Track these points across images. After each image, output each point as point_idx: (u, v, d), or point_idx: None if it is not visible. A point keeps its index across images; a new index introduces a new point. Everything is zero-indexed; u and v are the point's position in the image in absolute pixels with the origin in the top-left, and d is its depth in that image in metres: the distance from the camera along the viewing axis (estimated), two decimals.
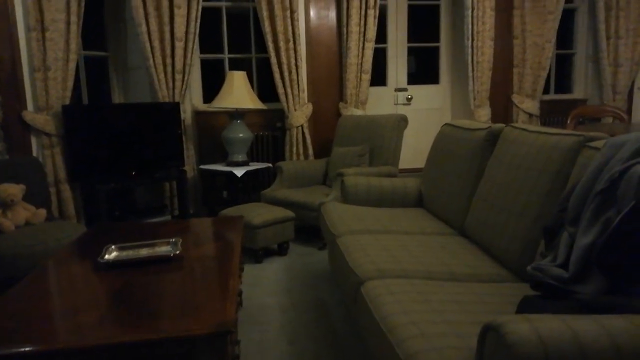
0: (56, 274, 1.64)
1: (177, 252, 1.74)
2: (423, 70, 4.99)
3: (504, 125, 2.08)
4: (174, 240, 1.86)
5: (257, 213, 2.99)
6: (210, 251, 1.83)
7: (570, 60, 5.14)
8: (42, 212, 2.72)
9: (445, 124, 2.63)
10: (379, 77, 4.71)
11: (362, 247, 1.86)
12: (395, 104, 4.78)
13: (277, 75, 4.07)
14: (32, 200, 2.80)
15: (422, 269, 1.65)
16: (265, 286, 2.65)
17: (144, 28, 3.73)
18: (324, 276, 2.78)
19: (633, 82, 4.87)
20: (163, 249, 1.80)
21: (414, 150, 4.84)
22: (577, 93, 5.12)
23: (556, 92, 5.14)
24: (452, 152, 2.37)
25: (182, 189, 3.81)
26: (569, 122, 3.78)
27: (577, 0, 4.94)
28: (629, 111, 4.91)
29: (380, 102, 4.72)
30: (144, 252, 1.78)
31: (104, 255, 1.72)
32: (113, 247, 1.81)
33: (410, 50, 4.80)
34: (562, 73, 5.19)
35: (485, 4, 4.32)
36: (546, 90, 5.04)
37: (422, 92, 4.85)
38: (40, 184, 2.98)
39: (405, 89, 4.79)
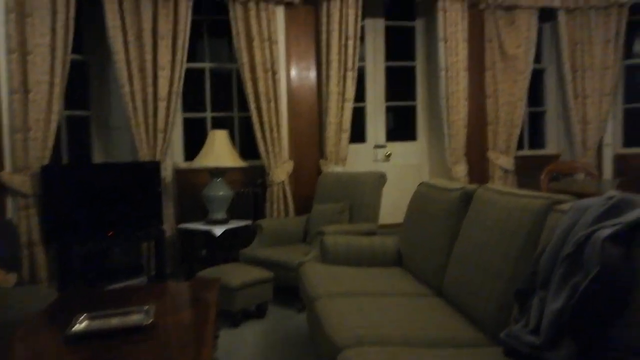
0: (22, 348, 1.57)
1: (149, 321, 1.69)
2: (401, 127, 5.14)
3: (477, 186, 2.13)
4: (146, 308, 1.81)
5: (235, 274, 2.94)
6: (183, 319, 1.79)
7: (542, 118, 5.35)
8: (11, 277, 2.64)
9: (421, 183, 2.68)
10: (358, 134, 4.82)
11: (339, 311, 1.84)
12: (374, 161, 4.87)
13: (258, 134, 4.15)
14: (2, 263, 2.73)
15: (400, 334, 1.63)
16: (242, 353, 2.57)
17: (127, 89, 3.81)
18: (303, 341, 2.72)
19: (601, 139, 5.07)
20: (134, 318, 1.76)
21: (394, 205, 4.89)
22: (550, 149, 5.29)
23: (530, 148, 5.31)
24: (428, 212, 2.41)
25: (160, 249, 3.76)
26: (542, 177, 3.88)
27: (546, 61, 5.22)
28: (599, 167, 5.08)
29: (360, 159, 4.80)
30: (115, 321, 1.73)
31: (74, 326, 1.66)
32: (83, 316, 1.75)
33: (389, 108, 4.96)
34: (535, 130, 5.38)
35: (458, 65, 4.53)
36: (521, 146, 5.20)
37: (400, 149, 4.97)
38: (12, 247, 2.91)
39: (384, 146, 4.90)
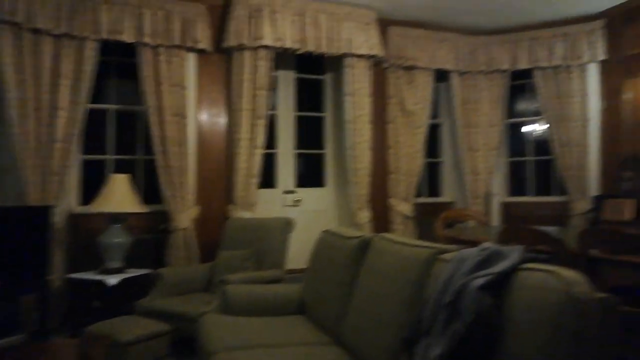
0: None
1: None
2: (311, 174, 5.27)
3: (373, 235, 2.24)
4: None
5: (128, 328, 2.75)
6: None
7: (439, 168, 5.78)
8: None
9: (324, 230, 2.75)
10: (268, 179, 4.86)
11: None
12: (284, 206, 4.91)
13: (163, 178, 4.03)
14: None
15: None
16: None
17: (17, 129, 3.54)
18: None
19: (489, 188, 5.57)
20: None
21: (303, 250, 4.91)
22: (446, 197, 5.70)
23: (429, 195, 5.69)
24: (329, 259, 2.46)
25: (44, 302, 3.42)
26: (437, 224, 4.15)
27: (442, 117, 5.70)
28: (487, 214, 5.55)
29: (269, 204, 4.82)
30: None
31: None
32: None
33: (300, 155, 5.08)
34: (433, 179, 5.79)
35: (363, 118, 4.80)
36: (420, 194, 5.55)
37: (310, 195, 5.07)
38: None
39: (293, 192, 4.97)
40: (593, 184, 5.16)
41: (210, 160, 4.35)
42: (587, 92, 5.10)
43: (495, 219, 5.65)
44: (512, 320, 1.24)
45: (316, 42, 4.48)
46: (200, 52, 4.26)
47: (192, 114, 4.26)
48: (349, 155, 4.79)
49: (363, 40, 4.69)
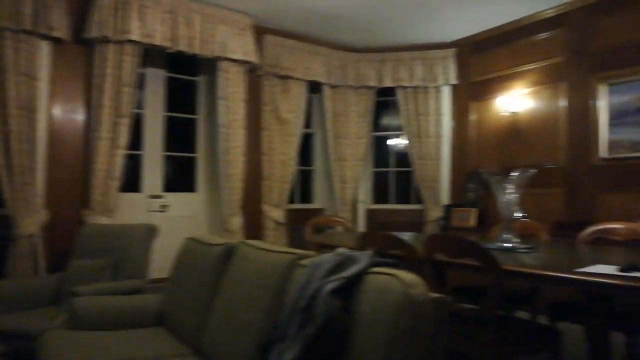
0: None
1: None
2: (181, 178, 5.07)
3: (238, 241, 2.22)
4: None
5: None
6: None
7: (311, 175, 5.96)
8: None
9: (188, 237, 2.66)
10: (133, 182, 4.56)
11: None
12: (149, 211, 4.64)
13: (4, 178, 3.55)
14: None
15: None
16: None
17: None
18: None
19: (356, 196, 5.90)
20: None
21: (170, 258, 4.69)
22: (317, 203, 5.90)
23: (300, 202, 5.83)
24: (192, 267, 2.39)
25: None
26: (306, 230, 4.27)
27: (315, 127, 5.89)
28: (354, 220, 5.87)
29: (133, 209, 4.51)
30: None
31: None
32: None
33: (169, 158, 4.85)
34: (305, 186, 5.95)
35: (237, 123, 4.76)
36: (292, 201, 5.66)
37: (179, 200, 4.87)
38: None
39: (160, 196, 4.73)
40: (444, 194, 5.74)
41: (63, 160, 3.95)
42: (442, 111, 5.68)
43: (362, 225, 6.00)
44: (359, 322, 1.32)
45: (189, 42, 4.34)
46: (56, 41, 3.85)
47: (44, 108, 3.82)
48: (221, 160, 4.71)
49: (238, 45, 4.66)
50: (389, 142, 6.27)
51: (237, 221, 4.74)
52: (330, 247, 3.16)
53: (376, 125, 6.25)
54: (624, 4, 4.24)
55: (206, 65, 4.90)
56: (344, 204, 5.72)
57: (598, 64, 4.42)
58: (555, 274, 1.96)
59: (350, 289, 1.39)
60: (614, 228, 2.96)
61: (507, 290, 3.07)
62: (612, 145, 4.28)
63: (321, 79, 5.44)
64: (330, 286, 1.37)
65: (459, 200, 5.59)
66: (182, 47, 4.30)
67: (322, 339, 1.31)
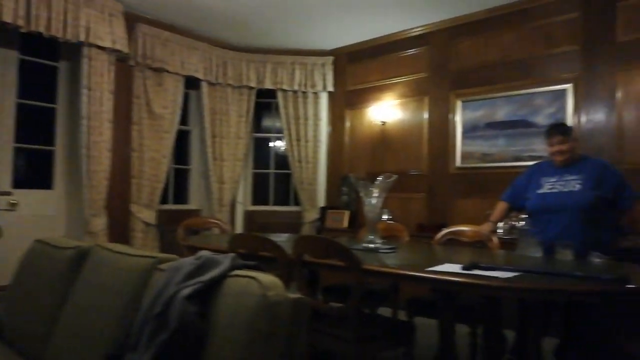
0: None
1: None
2: (34, 173, 4.54)
3: (92, 244, 2.04)
4: None
5: None
6: None
7: (187, 175, 5.73)
8: None
9: (36, 240, 2.38)
10: None
11: None
12: None
13: None
14: None
15: None
16: None
17: None
18: None
19: (235, 197, 5.81)
20: None
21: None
22: (192, 204, 5.69)
23: (175, 202, 5.57)
24: (39, 273, 2.14)
25: None
26: (179, 232, 4.09)
27: (192, 124, 5.67)
28: (232, 221, 5.78)
29: None
30: None
31: None
32: None
33: (19, 151, 4.30)
34: (180, 186, 5.70)
35: (102, 115, 4.39)
36: (165, 201, 5.39)
37: (31, 197, 4.35)
38: None
39: (9, 193, 4.17)
40: (321, 197, 5.92)
41: None
42: (320, 117, 5.85)
43: (240, 226, 5.92)
44: (217, 326, 1.29)
45: (47, 23, 3.90)
46: None
47: None
48: (84, 155, 4.31)
49: (106, 31, 4.31)
50: (270, 144, 6.30)
51: (100, 222, 4.37)
52: (209, 251, 3.07)
53: (257, 127, 6.24)
54: (476, 30, 4.77)
55: (69, 51, 4.44)
56: (222, 205, 5.60)
57: (455, 82, 4.91)
58: (409, 272, 2.12)
59: (208, 293, 1.35)
60: (462, 230, 3.31)
61: (371, 288, 3.26)
62: (465, 155, 4.79)
63: (199, 75, 5.27)
64: (186, 291, 1.32)
65: (334, 202, 5.81)
66: (39, 27, 3.85)
67: (176, 346, 1.25)
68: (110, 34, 4.34)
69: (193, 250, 3.18)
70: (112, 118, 4.48)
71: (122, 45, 4.45)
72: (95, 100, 4.31)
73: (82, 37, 4.13)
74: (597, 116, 4.07)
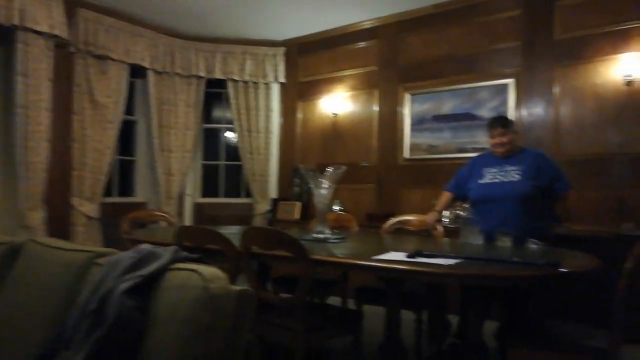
0: None
1: None
2: None
3: (27, 239, 1.93)
4: None
5: None
6: None
7: (133, 166, 5.54)
8: None
9: None
10: None
11: None
12: None
13: None
14: None
15: None
16: None
17: None
18: None
19: (183, 189, 5.68)
20: None
21: None
22: (139, 197, 5.52)
23: (120, 195, 5.38)
24: None
25: None
26: (123, 225, 3.95)
27: (138, 114, 5.48)
28: (181, 214, 5.65)
29: None
30: None
31: None
32: None
33: None
34: (125, 178, 5.50)
35: (40, 104, 4.17)
36: (110, 194, 5.19)
37: None
38: None
39: None
40: (273, 188, 5.90)
41: None
42: (272, 108, 5.81)
43: (188, 219, 5.80)
44: (157, 320, 1.25)
45: None
46: None
47: None
48: (19, 145, 4.08)
49: (43, 15, 4.08)
50: (221, 135, 6.19)
51: (38, 216, 4.16)
52: (150, 244, 2.98)
53: (207, 117, 6.11)
54: (423, 25, 4.88)
55: (2, 34, 4.17)
56: (170, 197, 5.47)
57: (404, 75, 5.00)
58: (355, 261, 2.15)
59: (148, 286, 1.31)
60: (409, 220, 3.39)
61: (321, 278, 3.29)
62: (413, 147, 4.91)
63: (145, 64, 5.09)
64: (124, 285, 1.28)
65: (285, 194, 5.80)
66: None
67: (113, 342, 1.21)
68: (48, 18, 4.11)
69: (138, 244, 3.09)
70: (50, 107, 4.26)
71: (61, 31, 4.22)
72: (32, 88, 4.08)
73: (16, 21, 3.89)
74: (536, 110, 4.27)
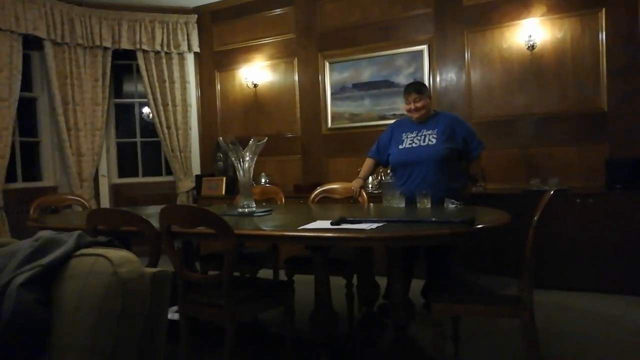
0: None
1: None
2: None
3: None
4: None
5: None
6: None
7: (37, 148, 5.08)
8: None
9: None
10: None
11: None
12: None
13: None
14: None
15: None
16: None
17: None
18: None
19: (97, 170, 5.31)
20: None
21: None
22: (47, 181, 5.10)
23: (24, 180, 4.93)
24: None
25: None
26: (31, 212, 3.63)
27: (37, 90, 4.99)
28: (97, 197, 5.30)
29: None
30: None
31: None
32: None
33: None
34: (29, 161, 5.04)
35: None
36: (13, 179, 4.75)
37: None
38: None
39: None
40: (195, 164, 5.69)
41: None
42: (188, 79, 5.53)
43: (106, 202, 5.47)
44: (63, 312, 1.15)
45: None
46: None
47: None
48: None
49: None
50: (135, 110, 5.82)
51: None
52: (51, 231, 2.75)
53: (118, 92, 5.72)
54: None
55: None
56: (83, 179, 5.10)
57: (322, 43, 4.96)
58: (281, 233, 2.12)
59: (50, 277, 1.20)
60: (334, 188, 3.41)
61: (251, 252, 3.25)
62: (335, 116, 4.92)
63: (40, 34, 4.62)
64: (21, 278, 1.15)
65: (209, 170, 5.62)
66: None
67: (12, 339, 1.10)
68: None
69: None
70: None
71: None
72: None
73: None
74: (449, 75, 4.42)
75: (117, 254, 1.19)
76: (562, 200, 3.51)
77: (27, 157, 5.00)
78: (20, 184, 4.83)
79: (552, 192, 2.08)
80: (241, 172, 2.78)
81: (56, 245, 1.29)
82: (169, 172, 5.69)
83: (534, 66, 4.07)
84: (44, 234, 1.35)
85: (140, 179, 5.78)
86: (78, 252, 1.25)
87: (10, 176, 4.67)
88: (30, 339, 1.12)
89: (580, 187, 3.79)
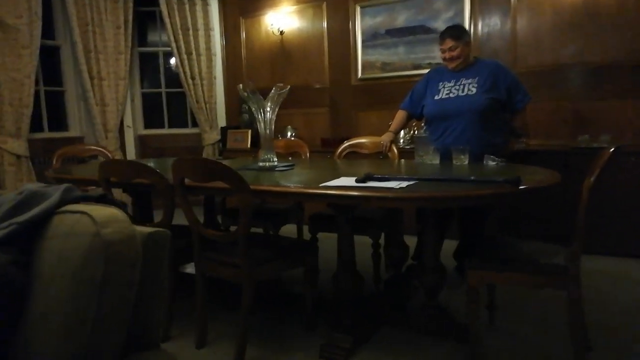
0: None
1: None
2: None
3: None
4: None
5: None
6: None
7: (62, 98, 5.01)
8: None
9: None
10: None
11: None
12: None
13: None
14: None
15: None
16: None
17: None
18: None
19: (122, 121, 5.23)
20: None
21: None
22: (73, 131, 5.05)
23: (51, 130, 4.89)
24: None
25: None
26: (54, 163, 3.58)
27: (59, 38, 4.86)
28: (122, 148, 5.24)
29: None
30: None
31: None
32: None
33: None
34: (55, 111, 4.99)
35: None
36: (39, 129, 4.71)
37: None
38: None
39: None
40: (221, 116, 5.53)
41: None
42: (211, 26, 5.28)
43: (132, 153, 5.41)
44: (40, 277, 1.01)
45: None
46: None
47: None
48: None
49: None
50: (160, 60, 5.63)
51: None
52: (79, 183, 2.66)
53: (142, 40, 5.53)
54: None
55: None
56: (107, 130, 5.03)
57: None
58: (300, 190, 1.94)
59: (29, 236, 1.05)
60: (362, 142, 3.18)
61: (275, 207, 3.11)
62: (366, 66, 4.60)
63: None
64: None
65: (235, 122, 5.45)
66: None
67: None
68: None
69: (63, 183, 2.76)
70: None
71: None
72: None
73: None
74: (492, 20, 4.01)
75: (103, 211, 1.03)
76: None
77: (53, 107, 4.94)
78: (46, 134, 4.80)
79: (612, 150, 1.80)
80: (262, 123, 2.59)
81: (40, 199, 1.14)
82: (195, 124, 5.56)
83: (590, 9, 3.62)
84: (29, 186, 1.20)
85: (166, 131, 5.68)
86: (63, 208, 1.09)
87: (37, 126, 4.63)
88: (5, 307, 0.99)
89: (634, 145, 3.43)
